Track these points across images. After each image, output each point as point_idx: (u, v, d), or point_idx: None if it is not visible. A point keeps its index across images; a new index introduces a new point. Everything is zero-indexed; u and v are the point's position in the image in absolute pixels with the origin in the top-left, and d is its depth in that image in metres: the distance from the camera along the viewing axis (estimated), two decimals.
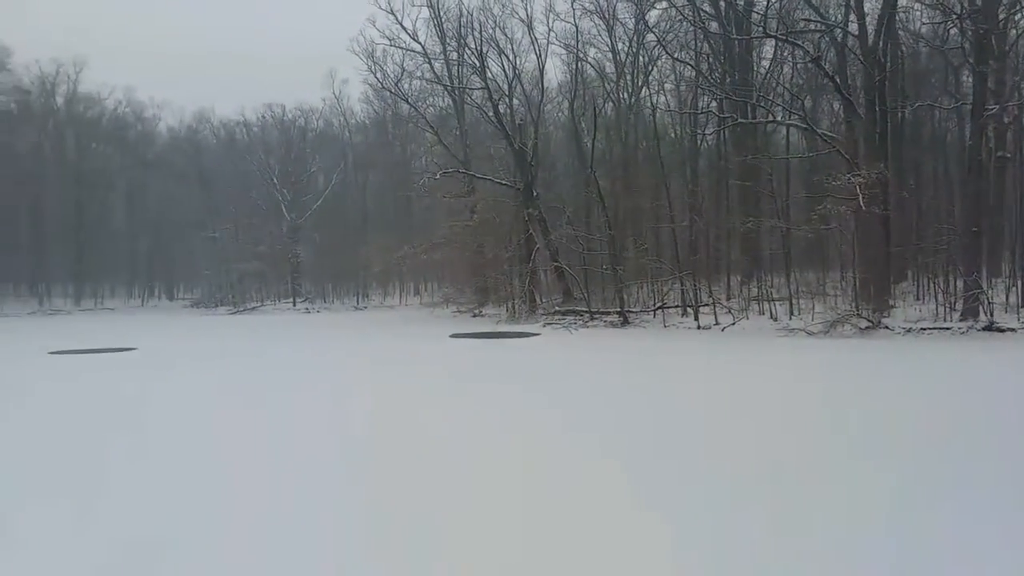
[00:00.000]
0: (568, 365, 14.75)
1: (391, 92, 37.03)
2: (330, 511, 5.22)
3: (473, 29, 30.47)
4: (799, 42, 22.88)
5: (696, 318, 21.22)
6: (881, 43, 21.11)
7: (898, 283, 20.97)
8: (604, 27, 30.56)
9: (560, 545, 4.49)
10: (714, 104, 26.80)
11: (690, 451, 6.84)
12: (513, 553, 4.39)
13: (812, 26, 22.94)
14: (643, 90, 30.62)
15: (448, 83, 33.38)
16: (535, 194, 27.44)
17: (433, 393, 11.09)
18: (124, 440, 7.93)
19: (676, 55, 26.51)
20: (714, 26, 26.38)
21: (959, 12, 18.85)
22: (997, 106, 18.60)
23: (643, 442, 7.28)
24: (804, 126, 22.10)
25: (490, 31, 29.95)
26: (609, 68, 31.83)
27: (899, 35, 23.13)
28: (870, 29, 21.25)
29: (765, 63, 28.09)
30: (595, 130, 27.84)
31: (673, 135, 30.36)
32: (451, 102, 35.25)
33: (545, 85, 31.14)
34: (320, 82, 67.91)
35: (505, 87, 30.57)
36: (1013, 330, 16.13)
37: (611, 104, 31.85)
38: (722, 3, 26.77)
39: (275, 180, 44.54)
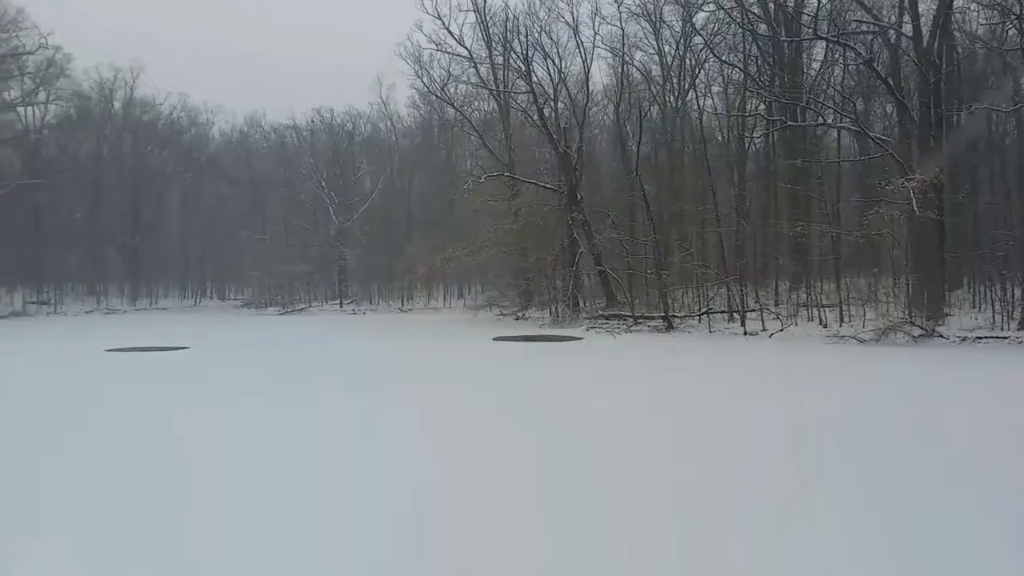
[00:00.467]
0: (621, 368, 14.72)
1: (437, 96, 37.46)
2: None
3: (519, 33, 30.62)
4: (851, 43, 22.42)
5: (743, 324, 20.97)
6: (936, 44, 20.58)
7: (953, 290, 20.41)
8: (651, 30, 30.45)
9: None
10: (762, 107, 26.47)
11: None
12: None
13: (864, 27, 22.48)
14: (690, 93, 30.37)
15: (493, 87, 33.56)
16: (579, 198, 27.40)
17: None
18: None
19: (724, 57, 26.24)
20: (763, 28, 26.01)
21: (1018, 12, 18.29)
22: None
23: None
24: (856, 129, 21.66)
25: (536, 35, 30.08)
26: (655, 71, 31.66)
27: (955, 36, 22.53)
28: (925, 30, 20.75)
29: (815, 65, 27.60)
30: (640, 133, 27.68)
31: (720, 138, 30.03)
32: (496, 106, 35.41)
33: (590, 88, 31.15)
34: (368, 87, 68.83)
35: (550, 91, 30.63)
36: None
37: (657, 107, 31.64)
38: (771, 4, 26.35)
39: (323, 183, 45.25)
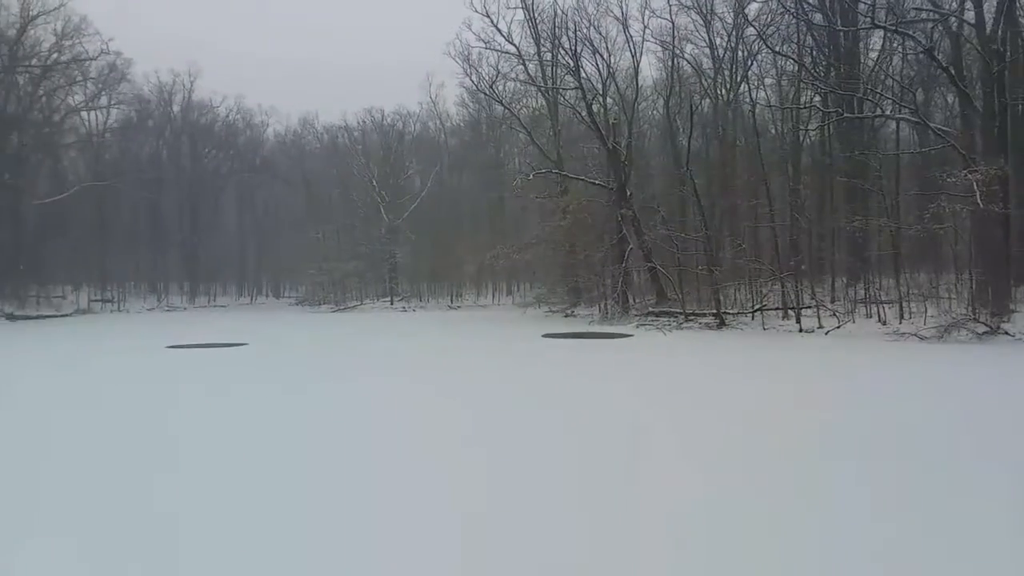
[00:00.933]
0: (673, 365, 14.58)
1: (486, 94, 37.59)
2: None
3: (567, 29, 30.50)
4: (910, 32, 21.72)
5: (798, 321, 20.53)
6: (1000, 31, 19.82)
7: (1019, 286, 19.62)
8: (701, 22, 30.02)
9: None
10: (818, 99, 25.84)
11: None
12: None
13: (924, 15, 21.75)
14: (742, 86, 29.85)
15: (542, 84, 33.52)
16: (629, 194, 27.18)
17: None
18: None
19: (777, 49, 25.68)
20: (818, 18, 25.39)
21: None
22: None
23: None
24: (916, 120, 21.03)
25: (584, 30, 29.88)
26: (706, 64, 31.21)
27: (1020, 22, 21.62)
28: (988, 17, 20.01)
29: (873, 55, 26.85)
30: (691, 127, 27.31)
31: (773, 131, 29.43)
32: (544, 103, 35.38)
33: (640, 83, 30.81)
34: (418, 86, 69.46)
35: (599, 86, 30.44)
36: None
37: (708, 101, 31.21)
38: None
39: (374, 183, 45.85)
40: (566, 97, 32.94)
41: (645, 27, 30.66)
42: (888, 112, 22.89)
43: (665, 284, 26.28)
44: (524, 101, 38.96)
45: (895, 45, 25.18)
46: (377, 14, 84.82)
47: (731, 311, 22.72)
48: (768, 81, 29.67)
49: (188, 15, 76.63)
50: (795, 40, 25.64)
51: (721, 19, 29.33)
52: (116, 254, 45.55)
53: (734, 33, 28.92)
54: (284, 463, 6.80)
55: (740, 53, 29.55)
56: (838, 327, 19.32)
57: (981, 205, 16.64)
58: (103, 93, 44.62)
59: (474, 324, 27.93)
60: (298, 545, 4.65)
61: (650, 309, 25.08)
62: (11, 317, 33.84)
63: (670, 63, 30.65)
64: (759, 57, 28.67)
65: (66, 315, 37.42)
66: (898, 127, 26.61)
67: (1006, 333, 16.42)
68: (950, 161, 19.25)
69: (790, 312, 21.35)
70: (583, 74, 29.99)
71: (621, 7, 29.68)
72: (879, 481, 5.94)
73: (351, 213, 47.17)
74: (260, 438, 7.99)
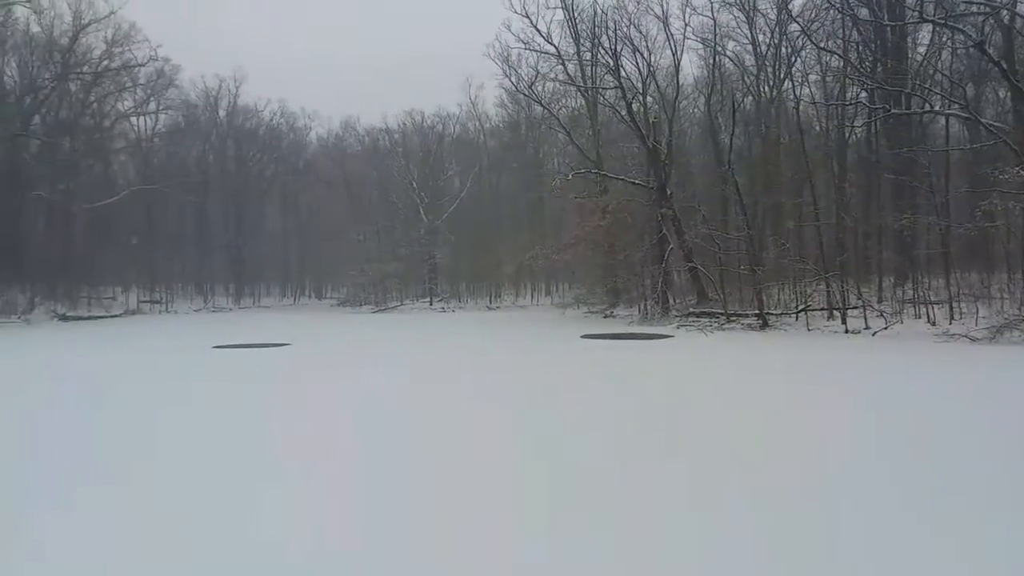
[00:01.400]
0: (717, 365, 14.40)
1: (525, 95, 37.59)
2: None
3: (607, 28, 30.33)
4: (960, 26, 21.12)
5: (844, 321, 20.11)
6: None
7: None
8: (744, 19, 29.62)
9: None
10: (864, 95, 25.32)
11: None
12: None
13: (975, 8, 21.13)
14: (785, 82, 29.34)
15: (581, 83, 33.41)
16: (669, 193, 26.93)
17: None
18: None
19: (822, 44, 25.18)
20: (864, 12, 24.82)
21: None
22: None
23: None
24: (966, 116, 20.41)
25: (624, 29, 29.67)
26: (749, 61, 30.79)
27: None
28: None
29: (921, 50, 26.20)
30: (733, 125, 26.97)
31: (818, 128, 28.87)
32: (584, 102, 35.26)
33: (680, 81, 30.52)
34: (457, 88, 69.78)
35: (639, 85, 30.20)
36: None
37: (750, 98, 30.79)
38: None
39: (414, 184, 46.20)
40: (606, 96, 32.78)
41: (686, 24, 30.46)
42: (937, 108, 22.29)
43: (706, 284, 25.97)
44: (563, 101, 38.89)
45: (944, 39, 24.52)
46: (418, 18, 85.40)
47: (774, 312, 22.35)
48: (812, 77, 29.14)
49: (233, 22, 78.10)
50: (840, 36, 25.12)
51: (764, 15, 28.94)
52: (164, 256, 46.72)
53: (777, 29, 28.47)
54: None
55: (784, 49, 29.09)
56: (885, 328, 18.87)
57: None
58: (152, 99, 45.86)
59: (513, 325, 27.93)
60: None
61: (691, 310, 24.81)
62: (64, 318, 34.86)
63: (711, 60, 30.34)
64: (803, 53, 28.17)
65: (116, 316, 38.38)
66: (947, 123, 25.91)
67: None
68: (1002, 157, 18.67)
69: (835, 313, 20.94)
70: (623, 73, 29.81)
71: (662, 5, 29.56)
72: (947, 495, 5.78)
73: (391, 215, 47.61)
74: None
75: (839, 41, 25.05)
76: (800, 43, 27.35)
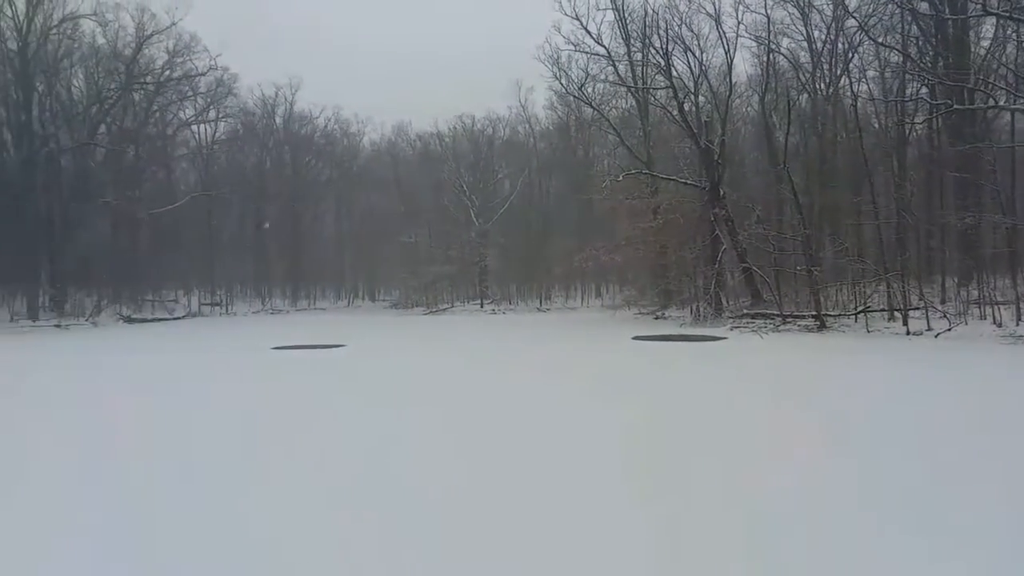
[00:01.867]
0: (777, 369, 14.22)
1: (575, 97, 37.58)
2: None
3: (658, 28, 30.05)
4: None
5: (905, 323, 19.60)
6: None
7: None
8: (799, 15, 29.02)
9: None
10: (924, 90, 24.64)
11: None
12: None
13: None
14: (842, 79, 28.69)
15: (632, 84, 33.26)
16: (722, 193, 26.61)
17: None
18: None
19: (880, 40, 24.61)
20: (924, 6, 24.21)
21: None
22: None
23: None
24: None
25: (676, 29, 29.37)
26: (804, 58, 30.18)
27: None
28: None
29: (984, 43, 25.40)
30: (788, 123, 26.52)
31: (877, 126, 28.16)
32: (634, 103, 35.09)
33: (733, 80, 30.08)
34: (507, 91, 69.89)
35: (690, 84, 29.88)
36: None
37: (806, 96, 30.18)
38: None
39: (465, 187, 46.54)
40: (657, 97, 32.55)
41: (739, 22, 29.92)
42: (1002, 103, 21.60)
43: (761, 285, 25.58)
44: (613, 102, 38.76)
45: (1009, 32, 23.74)
46: (469, 21, 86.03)
47: (832, 313, 21.90)
48: (871, 74, 28.42)
49: (288, 29, 79.80)
50: (899, 30, 24.56)
51: (819, 11, 28.32)
52: (224, 260, 48.00)
53: (834, 25, 27.87)
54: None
55: (840, 45, 28.45)
56: (949, 329, 18.35)
57: None
58: (212, 107, 47.11)
59: (564, 326, 27.95)
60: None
61: (745, 311, 24.47)
62: (128, 320, 36.13)
63: (765, 58, 29.80)
64: (860, 49, 27.50)
65: (178, 318, 39.54)
66: (1013, 118, 25.04)
67: None
68: None
69: (896, 314, 20.42)
70: (674, 73, 29.53)
71: (714, 3, 29.05)
72: None
73: (442, 218, 48.05)
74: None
75: (898, 36, 24.51)
76: (857, 39, 26.72)
